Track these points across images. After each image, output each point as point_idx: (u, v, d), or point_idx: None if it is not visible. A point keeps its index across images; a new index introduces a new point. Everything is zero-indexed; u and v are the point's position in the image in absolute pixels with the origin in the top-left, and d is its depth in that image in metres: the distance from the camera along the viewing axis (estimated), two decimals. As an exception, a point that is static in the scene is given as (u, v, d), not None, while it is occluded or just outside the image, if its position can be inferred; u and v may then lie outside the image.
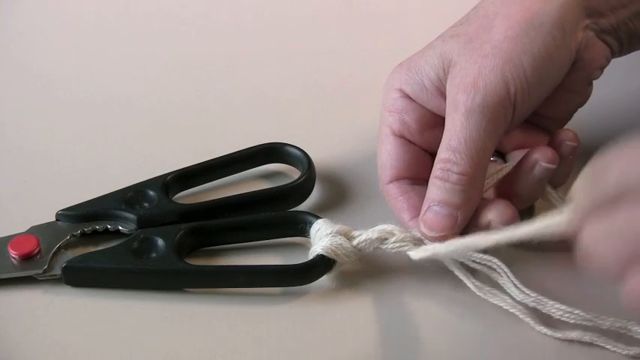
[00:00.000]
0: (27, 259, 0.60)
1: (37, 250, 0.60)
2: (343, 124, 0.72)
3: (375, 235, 0.59)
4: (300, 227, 0.61)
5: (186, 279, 0.60)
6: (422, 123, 0.60)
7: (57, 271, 0.60)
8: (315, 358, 0.56)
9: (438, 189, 0.56)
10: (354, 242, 0.59)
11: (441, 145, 0.57)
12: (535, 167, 0.58)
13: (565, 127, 0.62)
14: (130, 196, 0.63)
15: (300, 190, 0.65)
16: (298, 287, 0.60)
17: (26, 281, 0.60)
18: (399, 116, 0.60)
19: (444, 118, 0.58)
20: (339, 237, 0.59)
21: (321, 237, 0.59)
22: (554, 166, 0.58)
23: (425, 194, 0.58)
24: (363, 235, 0.59)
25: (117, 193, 0.64)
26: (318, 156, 0.66)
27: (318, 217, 0.61)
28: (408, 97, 0.60)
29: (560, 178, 0.60)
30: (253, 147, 0.67)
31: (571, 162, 0.59)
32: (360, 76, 0.75)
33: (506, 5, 0.58)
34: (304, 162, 0.65)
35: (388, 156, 0.60)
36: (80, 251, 0.61)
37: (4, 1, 0.83)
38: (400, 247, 0.59)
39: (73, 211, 0.63)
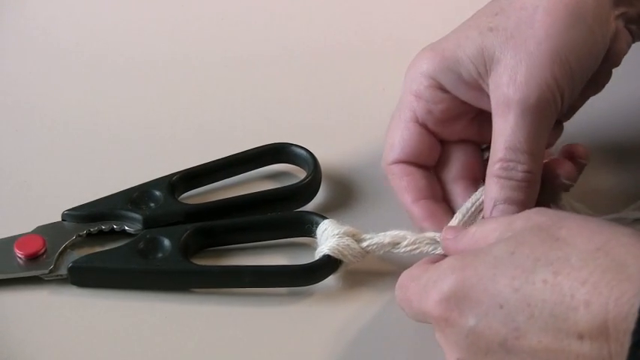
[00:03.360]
0: (33, 259, 0.60)
1: (43, 250, 0.60)
2: (349, 124, 0.72)
3: (387, 240, 0.59)
4: (306, 227, 0.61)
5: (193, 279, 0.60)
6: (448, 114, 0.60)
7: (63, 271, 0.60)
8: (321, 358, 0.56)
9: (503, 188, 0.57)
10: (364, 244, 0.59)
11: (496, 144, 0.57)
12: (556, 180, 0.59)
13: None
14: (135, 196, 0.63)
15: (306, 190, 0.65)
16: (304, 287, 0.60)
17: (32, 281, 0.60)
18: (426, 105, 0.60)
19: (471, 110, 0.59)
20: (347, 238, 0.59)
21: (328, 237, 0.59)
22: (573, 184, 0.59)
23: (430, 179, 0.60)
24: (375, 239, 0.59)
25: (123, 193, 0.64)
26: (324, 156, 0.66)
27: (324, 218, 0.61)
28: (439, 87, 0.60)
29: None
30: (259, 147, 0.66)
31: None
32: (367, 76, 0.75)
33: None
34: (310, 162, 0.65)
35: (401, 139, 0.60)
36: (86, 251, 0.61)
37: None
38: (412, 250, 0.59)
39: (79, 211, 0.63)
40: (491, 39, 0.57)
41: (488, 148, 0.60)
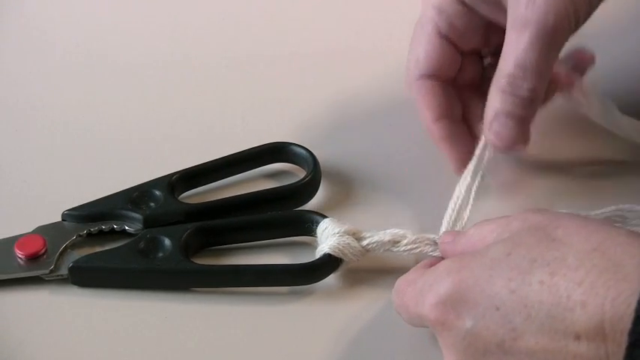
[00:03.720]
0: (33, 259, 0.60)
1: (43, 251, 0.60)
2: (349, 123, 0.71)
3: (387, 238, 0.59)
4: (306, 226, 0.61)
5: (193, 278, 0.60)
6: (469, 26, 0.62)
7: (63, 271, 0.60)
8: (322, 357, 0.56)
9: (505, 102, 0.58)
10: (364, 243, 0.59)
11: (506, 59, 0.58)
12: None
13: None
14: (135, 196, 0.63)
15: (306, 189, 0.65)
16: (305, 286, 0.59)
17: (33, 281, 0.60)
18: (447, 18, 0.62)
19: (490, 23, 0.61)
20: (347, 236, 0.59)
21: (328, 236, 0.59)
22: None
23: (452, 96, 0.63)
24: (375, 237, 0.59)
25: (123, 192, 0.63)
26: (324, 155, 0.66)
27: (324, 217, 0.61)
28: (460, 1, 0.61)
29: None
30: (258, 146, 0.66)
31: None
32: (366, 75, 0.75)
33: None
34: (309, 161, 0.65)
35: (426, 53, 0.62)
36: (86, 251, 0.61)
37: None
38: (412, 249, 0.59)
39: (79, 211, 0.63)
40: None
41: (489, 56, 0.63)
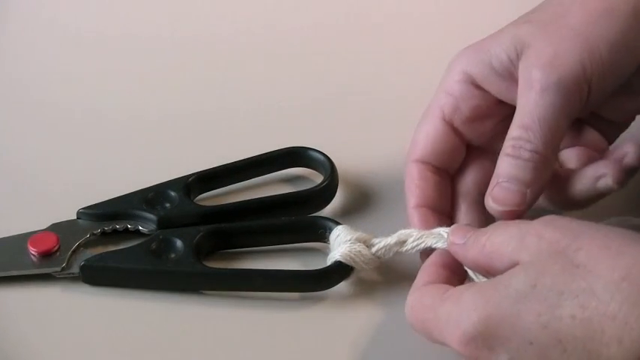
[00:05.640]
0: (46, 256, 0.60)
1: (56, 248, 0.60)
2: (367, 128, 0.71)
3: (394, 240, 0.59)
4: (319, 233, 0.61)
5: (204, 281, 0.59)
6: (476, 112, 0.60)
7: (75, 269, 0.60)
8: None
9: (509, 165, 0.56)
10: (374, 249, 0.59)
11: (512, 123, 0.56)
12: (600, 180, 0.57)
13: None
14: (151, 197, 0.63)
15: (322, 194, 0.64)
16: (316, 293, 0.59)
17: (45, 279, 0.60)
18: (454, 101, 0.60)
19: (501, 108, 0.59)
20: (358, 244, 0.59)
21: (340, 243, 0.59)
22: (619, 188, 0.57)
23: (443, 188, 0.59)
24: (382, 242, 0.59)
25: (138, 192, 0.63)
26: (342, 160, 0.66)
27: (338, 223, 0.60)
28: (470, 81, 0.59)
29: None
30: (276, 150, 0.66)
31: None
32: (386, 80, 0.75)
33: None
34: (327, 166, 0.65)
35: (425, 137, 0.60)
36: (100, 250, 0.61)
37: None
38: (418, 245, 0.58)
39: (94, 209, 0.63)
40: (525, 28, 0.57)
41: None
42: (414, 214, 0.59)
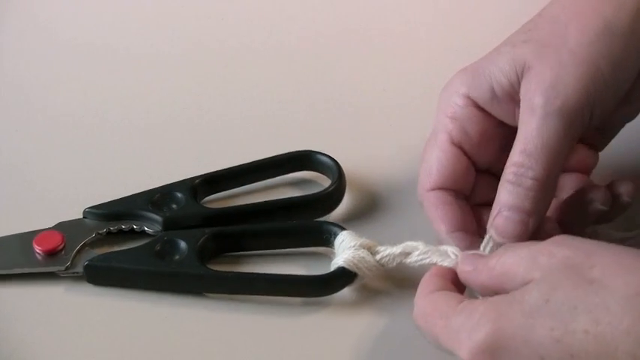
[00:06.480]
0: (51, 255, 0.60)
1: (61, 247, 0.61)
2: (376, 133, 0.71)
3: (399, 250, 0.58)
4: (324, 237, 0.60)
5: (206, 283, 0.59)
6: (484, 135, 0.59)
7: (79, 268, 0.60)
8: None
9: (510, 194, 0.55)
10: (378, 257, 0.59)
11: (514, 148, 0.55)
12: (590, 206, 0.58)
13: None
14: (157, 198, 0.63)
15: (329, 199, 0.64)
16: (320, 298, 0.59)
17: (49, 277, 0.60)
18: (461, 125, 0.59)
19: (506, 131, 0.58)
20: (362, 250, 0.59)
21: (344, 249, 0.59)
22: (607, 208, 0.58)
23: (466, 210, 0.58)
24: (387, 250, 0.58)
25: (145, 193, 0.64)
26: (350, 165, 0.66)
27: (343, 229, 0.60)
28: (474, 105, 0.58)
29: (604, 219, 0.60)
30: (284, 154, 0.66)
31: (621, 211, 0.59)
32: (396, 84, 0.75)
33: (579, 13, 0.57)
34: (335, 171, 0.65)
35: (438, 163, 0.59)
36: (105, 250, 0.61)
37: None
38: (424, 259, 0.58)
39: (101, 209, 0.63)
40: (524, 49, 0.56)
41: None
42: (450, 241, 0.58)
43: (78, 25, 0.81)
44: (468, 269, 0.54)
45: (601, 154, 0.62)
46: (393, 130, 0.71)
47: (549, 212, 0.58)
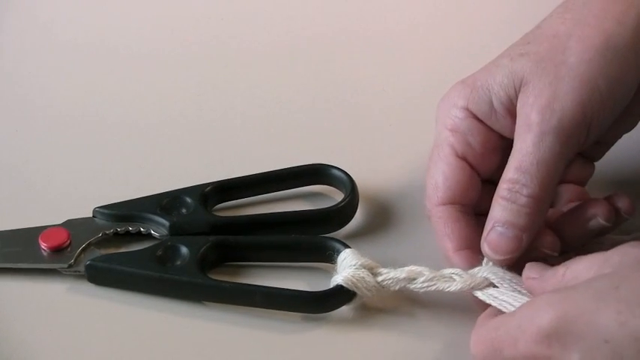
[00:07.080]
0: (56, 252, 0.61)
1: (66, 244, 0.61)
2: (390, 147, 0.70)
3: (403, 275, 0.57)
4: (327, 254, 0.60)
5: (203, 292, 0.59)
6: (486, 146, 0.59)
7: (82, 267, 0.60)
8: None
9: (504, 210, 0.55)
10: (379, 278, 0.58)
11: (508, 164, 0.55)
12: (591, 221, 0.57)
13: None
14: (166, 202, 0.63)
15: (341, 214, 0.63)
16: (318, 315, 0.58)
17: (53, 274, 0.61)
18: (463, 137, 0.58)
19: (508, 142, 0.57)
20: (363, 270, 0.58)
21: (345, 267, 0.58)
22: (610, 225, 0.57)
23: (474, 225, 0.58)
24: (391, 274, 0.58)
25: (155, 196, 0.64)
26: (364, 180, 0.65)
27: (347, 246, 0.60)
28: (474, 117, 0.58)
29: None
30: (298, 166, 0.66)
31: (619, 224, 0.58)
32: (409, 98, 0.74)
33: (579, 27, 0.56)
34: (348, 185, 0.64)
35: (444, 177, 0.59)
36: (110, 250, 0.62)
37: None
38: (429, 286, 0.57)
39: (110, 209, 0.63)
40: (522, 63, 0.56)
41: None
42: (456, 259, 0.58)
43: (78, 25, 0.82)
44: (534, 276, 0.53)
45: (596, 163, 0.62)
46: (408, 148, 0.70)
47: (548, 225, 0.57)
